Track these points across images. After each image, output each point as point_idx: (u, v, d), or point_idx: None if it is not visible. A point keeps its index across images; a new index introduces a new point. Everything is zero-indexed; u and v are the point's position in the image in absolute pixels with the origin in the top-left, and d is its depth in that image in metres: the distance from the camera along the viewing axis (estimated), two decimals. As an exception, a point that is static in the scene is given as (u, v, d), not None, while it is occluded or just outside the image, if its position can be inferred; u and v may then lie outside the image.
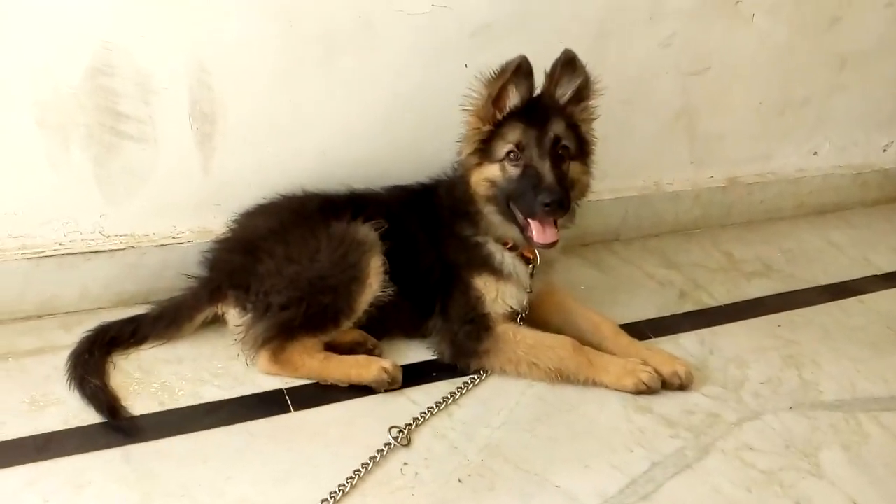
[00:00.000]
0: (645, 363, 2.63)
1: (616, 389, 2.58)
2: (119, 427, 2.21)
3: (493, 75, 2.48)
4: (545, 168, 2.45)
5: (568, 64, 2.54)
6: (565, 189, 2.45)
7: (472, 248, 2.64)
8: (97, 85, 2.48)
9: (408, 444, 2.29)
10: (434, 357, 2.69)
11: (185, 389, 2.43)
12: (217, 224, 2.80)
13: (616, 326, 2.81)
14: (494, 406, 2.50)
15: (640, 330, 2.95)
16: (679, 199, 3.77)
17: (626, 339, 2.75)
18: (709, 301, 3.29)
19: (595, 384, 2.58)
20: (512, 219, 2.55)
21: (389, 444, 2.26)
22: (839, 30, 3.76)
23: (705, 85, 3.55)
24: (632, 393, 2.57)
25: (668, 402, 2.59)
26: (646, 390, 2.57)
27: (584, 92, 2.59)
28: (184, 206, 2.78)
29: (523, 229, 2.52)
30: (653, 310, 3.16)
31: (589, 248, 3.59)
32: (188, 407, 2.37)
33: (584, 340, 2.69)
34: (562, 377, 2.57)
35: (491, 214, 2.59)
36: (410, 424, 2.35)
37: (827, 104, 4.00)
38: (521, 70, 2.46)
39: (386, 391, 2.48)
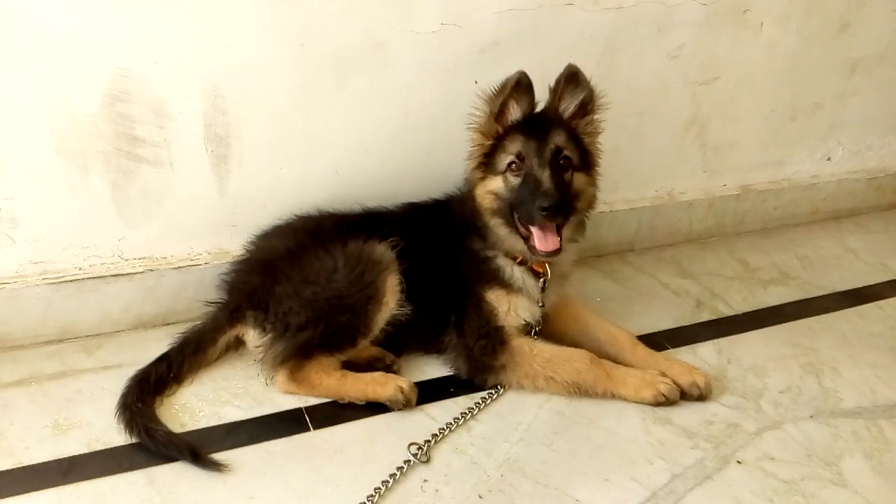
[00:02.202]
0: (663, 374, 2.62)
1: (635, 402, 2.58)
2: (206, 464, 2.20)
3: (494, 92, 2.54)
4: (544, 175, 2.48)
5: (571, 78, 2.57)
6: (564, 195, 2.48)
7: (482, 262, 2.66)
8: (114, 112, 2.52)
9: (427, 461, 2.30)
10: (452, 373, 2.70)
11: (206, 410, 2.45)
12: (233, 245, 2.84)
13: (633, 337, 2.80)
14: (512, 421, 2.50)
15: (657, 341, 2.94)
16: (692, 209, 3.77)
17: (643, 351, 2.75)
18: (725, 310, 3.27)
19: (613, 397, 2.58)
20: (516, 230, 2.57)
21: (409, 460, 2.27)
22: (848, 35, 3.75)
23: (715, 94, 3.55)
24: (651, 405, 2.57)
25: (687, 413, 2.58)
26: (665, 402, 2.57)
27: (588, 106, 2.61)
28: (200, 229, 2.81)
29: (526, 239, 2.54)
30: (669, 320, 3.15)
31: (603, 259, 3.59)
32: (209, 428, 2.39)
33: (601, 353, 2.70)
34: (580, 391, 2.57)
35: (497, 227, 2.62)
36: (429, 441, 2.37)
37: (839, 109, 3.98)
38: (520, 85, 2.51)
39: (400, 410, 2.49)
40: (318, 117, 2.80)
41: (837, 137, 4.09)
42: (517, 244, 2.60)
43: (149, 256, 2.77)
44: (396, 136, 2.96)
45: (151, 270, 2.76)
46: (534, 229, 2.50)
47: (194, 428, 2.38)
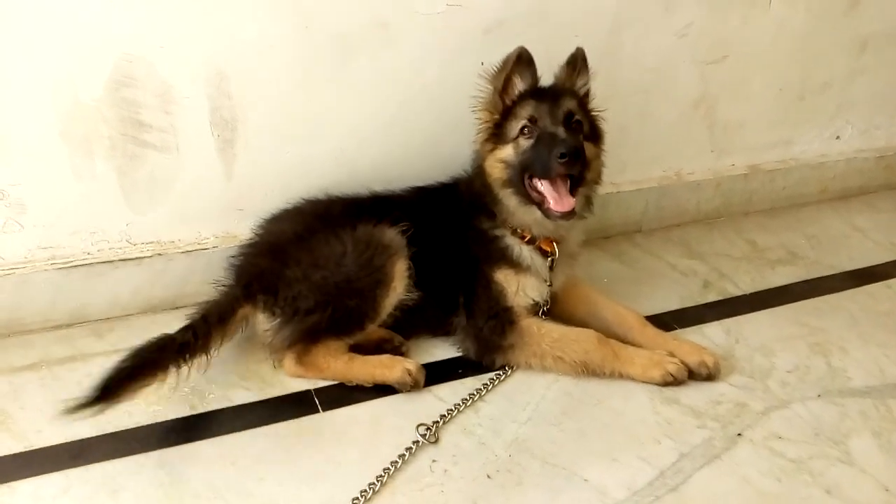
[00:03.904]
0: (671, 354, 2.62)
1: (643, 381, 2.58)
2: (88, 400, 2.05)
3: (497, 69, 2.58)
4: (560, 131, 2.50)
5: (582, 59, 2.66)
6: (581, 145, 2.49)
7: (491, 241, 2.66)
8: (119, 97, 2.52)
9: (436, 442, 2.30)
10: (459, 354, 2.70)
11: (216, 392, 2.47)
12: (241, 229, 2.84)
13: (641, 318, 2.81)
14: (520, 401, 2.51)
15: (665, 321, 2.93)
16: (700, 189, 3.75)
17: (652, 331, 2.75)
18: (733, 290, 3.26)
19: (622, 377, 2.58)
20: (528, 198, 2.56)
21: (418, 441, 2.28)
22: (858, 13, 3.72)
23: (724, 73, 3.52)
24: (659, 385, 2.57)
25: (695, 393, 2.57)
26: (673, 382, 2.57)
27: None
28: (208, 213, 2.82)
29: (540, 204, 2.54)
30: (677, 300, 3.14)
31: (610, 240, 3.58)
32: (218, 410, 2.40)
33: (609, 333, 2.69)
34: (588, 370, 2.57)
35: (507, 198, 2.61)
36: (438, 422, 2.37)
37: (848, 88, 3.96)
38: (521, 60, 2.56)
39: (408, 391, 2.50)
40: (322, 99, 2.79)
41: (846, 116, 4.06)
42: (528, 215, 2.60)
43: (157, 241, 2.78)
44: (401, 118, 2.95)
45: (160, 255, 2.76)
46: (547, 190, 2.51)
47: (204, 410, 2.39)
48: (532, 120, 2.54)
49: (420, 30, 2.82)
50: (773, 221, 3.92)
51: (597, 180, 2.71)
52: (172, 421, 2.35)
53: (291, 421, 2.37)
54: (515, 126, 2.56)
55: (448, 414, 2.41)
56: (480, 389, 2.53)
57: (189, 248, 2.80)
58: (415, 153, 2.99)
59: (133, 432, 2.29)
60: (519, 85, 2.59)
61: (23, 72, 2.40)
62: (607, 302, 2.86)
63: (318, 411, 2.42)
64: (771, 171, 3.93)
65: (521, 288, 2.64)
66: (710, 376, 2.63)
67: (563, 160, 2.41)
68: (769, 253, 3.61)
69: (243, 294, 2.54)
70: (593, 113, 2.69)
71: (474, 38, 2.91)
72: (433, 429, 2.33)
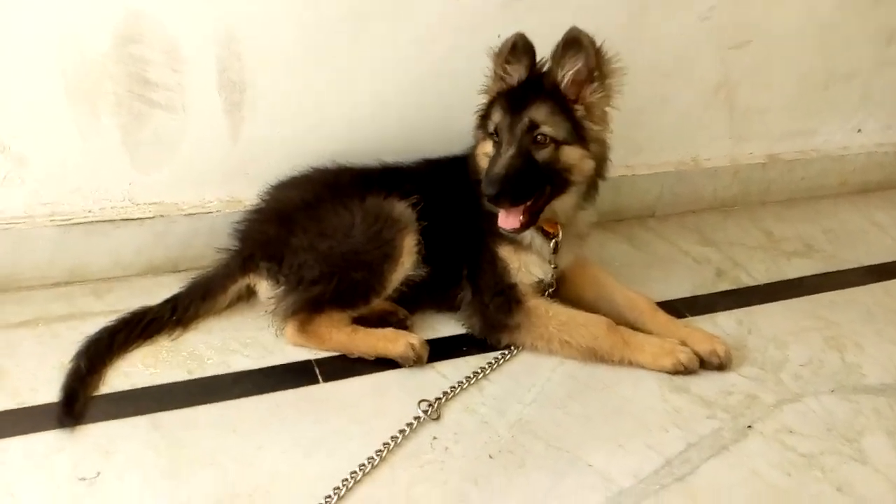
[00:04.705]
0: (683, 342, 2.56)
1: (653, 370, 2.51)
2: (60, 415, 2.10)
3: (496, 51, 2.48)
4: (503, 157, 2.36)
5: (570, 44, 2.37)
6: (513, 183, 2.32)
7: (492, 217, 2.56)
8: (125, 52, 2.45)
9: (437, 419, 2.26)
10: (465, 331, 2.64)
11: (214, 358, 2.42)
12: (246, 194, 2.78)
13: (653, 303, 2.74)
14: (526, 382, 2.45)
15: (676, 308, 2.87)
16: (717, 176, 3.67)
17: (663, 317, 2.68)
18: (747, 280, 3.19)
19: (631, 364, 2.51)
20: None
21: (419, 417, 2.23)
22: (887, 4, 3.62)
23: (746, 58, 3.43)
24: (669, 373, 2.50)
25: (705, 383, 2.51)
26: (683, 371, 2.50)
27: (594, 72, 2.40)
28: (213, 176, 2.76)
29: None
30: (689, 287, 3.08)
31: (623, 223, 3.52)
32: (217, 376, 2.36)
33: (619, 318, 2.63)
34: (595, 356, 2.51)
35: None
36: (440, 398, 2.32)
37: (872, 79, 3.85)
38: (517, 48, 2.42)
39: (411, 367, 2.45)
40: (334, 66, 2.72)
41: (869, 109, 3.96)
42: None
43: (159, 202, 2.73)
44: (414, 89, 2.87)
45: (162, 216, 2.71)
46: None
47: (202, 375, 2.35)
48: (496, 130, 2.44)
49: (436, -1, 2.74)
50: (791, 212, 3.84)
51: (588, 179, 2.54)
52: (170, 385, 2.30)
53: (291, 390, 2.32)
54: (489, 126, 2.48)
55: (451, 391, 2.36)
56: (485, 368, 2.48)
57: (192, 211, 2.75)
58: (427, 125, 2.91)
59: (129, 394, 2.24)
60: (512, 74, 2.47)
61: (28, 23, 2.33)
62: (618, 285, 2.79)
63: (318, 382, 2.37)
64: (790, 160, 3.84)
65: (523, 265, 2.58)
66: (721, 366, 2.57)
67: (487, 198, 2.34)
68: (785, 244, 3.54)
69: (241, 267, 2.51)
70: (580, 111, 2.43)
71: (492, 10, 2.82)
72: (435, 405, 2.28)
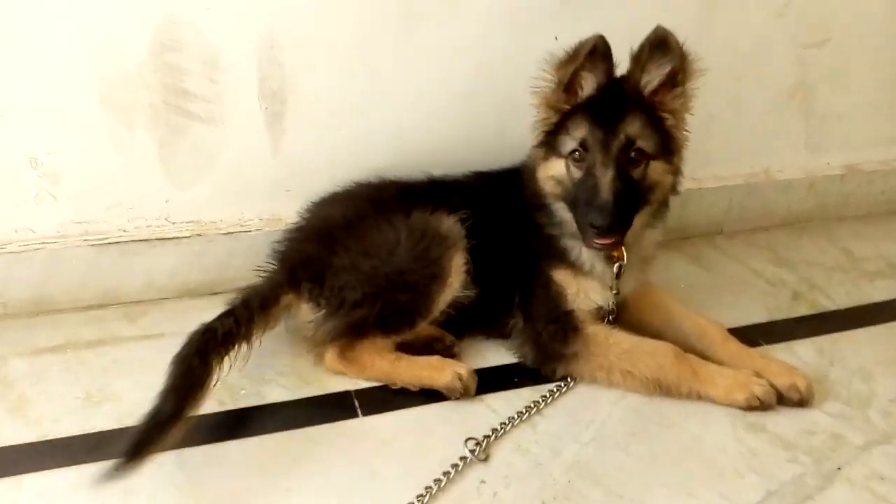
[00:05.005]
0: (758, 374, 2.33)
1: (725, 404, 2.28)
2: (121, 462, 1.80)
3: (565, 58, 2.19)
4: (605, 180, 2.16)
5: (658, 45, 2.17)
6: (621, 208, 2.15)
7: (549, 239, 2.41)
8: (162, 61, 2.36)
9: (486, 459, 2.08)
10: (516, 360, 2.47)
11: (248, 388, 2.28)
12: (287, 211, 2.64)
13: (724, 331, 2.51)
14: (583, 418, 2.26)
15: (750, 335, 2.64)
16: (791, 189, 3.43)
17: (736, 346, 2.45)
18: (826, 304, 2.95)
19: (700, 398, 2.29)
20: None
21: (465, 457, 2.05)
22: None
23: (824, 58, 3.20)
24: (743, 409, 2.28)
25: (784, 421, 2.28)
26: (759, 406, 2.27)
27: (678, 76, 2.22)
28: (252, 192, 2.65)
29: (583, 232, 2.25)
30: (763, 313, 2.85)
31: (689, 241, 3.29)
32: (249, 408, 2.23)
33: (686, 346, 2.41)
34: (661, 388, 2.29)
35: (560, 211, 2.35)
36: (489, 436, 2.13)
37: (962, 81, 3.55)
38: (595, 53, 2.15)
39: (458, 399, 2.29)
40: (379, 72, 2.59)
41: (958, 114, 3.65)
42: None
43: (197, 220, 2.62)
44: (465, 95, 2.72)
45: (199, 235, 2.61)
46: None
47: (234, 407, 2.22)
48: (583, 146, 2.21)
49: (489, -3, 2.58)
50: (870, 229, 3.57)
51: (667, 196, 2.38)
52: (198, 417, 2.10)
53: (328, 424, 2.17)
54: (567, 144, 2.24)
55: (501, 428, 2.18)
56: (538, 402, 2.29)
57: (231, 230, 2.64)
58: (479, 134, 2.75)
59: None
60: (587, 84, 2.22)
61: (62, 32, 2.25)
62: (685, 311, 2.57)
63: (357, 415, 2.22)
64: (870, 172, 3.57)
65: (581, 290, 2.39)
66: (801, 402, 2.33)
67: (595, 231, 2.15)
68: (866, 264, 3.27)
69: (287, 280, 2.35)
70: (670, 121, 2.26)
71: (549, 9, 2.66)
72: (483, 444, 2.10)
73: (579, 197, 2.21)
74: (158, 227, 2.58)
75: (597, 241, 2.20)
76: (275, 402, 2.25)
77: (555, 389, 2.34)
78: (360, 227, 2.36)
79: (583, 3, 2.65)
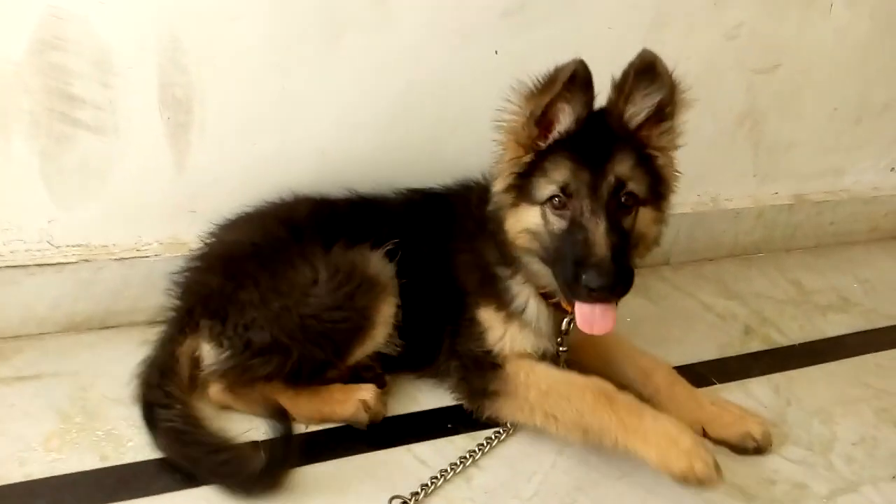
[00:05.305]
0: (704, 435, 2.10)
1: (656, 469, 1.87)
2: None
3: (538, 85, 1.88)
4: (598, 231, 1.84)
5: (645, 72, 1.88)
6: (623, 265, 1.83)
7: (488, 275, 2.13)
8: (45, 62, 2.11)
9: (414, 521, 1.82)
10: (451, 403, 2.21)
11: (136, 440, 1.97)
12: (192, 235, 2.40)
13: (671, 373, 2.28)
14: (525, 469, 2.02)
15: (701, 373, 2.47)
16: (739, 218, 3.32)
17: (684, 392, 2.22)
18: (780, 339, 2.80)
19: (628, 453, 1.91)
20: (557, 282, 1.98)
21: (390, 520, 1.80)
22: (930, 25, 3.33)
23: (774, 85, 3.13)
24: (677, 481, 1.87)
25: (743, 469, 2.09)
26: (695, 483, 1.83)
27: (666, 109, 1.95)
28: (151, 213, 2.40)
29: (568, 303, 1.96)
30: (714, 349, 2.68)
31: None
32: (137, 464, 1.91)
33: (631, 390, 2.15)
34: (587, 437, 1.97)
35: (532, 264, 2.04)
36: (418, 493, 1.89)
37: (909, 112, 3.55)
38: (575, 81, 1.83)
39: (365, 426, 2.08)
40: (301, 82, 2.38)
41: (904, 145, 3.63)
42: (554, 284, 2.02)
43: (85, 244, 2.35)
44: (397, 110, 2.53)
45: (87, 261, 2.34)
46: (577, 303, 1.91)
47: (118, 462, 1.91)
48: (565, 191, 1.89)
49: (425, 7, 2.41)
50: (820, 261, 3.49)
51: (648, 250, 2.08)
52: (75, 475, 1.86)
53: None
54: (544, 188, 1.92)
55: (432, 483, 1.93)
56: (474, 452, 2.04)
57: (125, 255, 2.37)
58: (411, 152, 2.56)
59: (20, 488, 1.80)
60: (565, 117, 1.90)
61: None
62: (628, 350, 2.33)
63: None
64: (819, 202, 3.51)
65: (508, 335, 2.11)
66: (758, 450, 2.14)
67: (594, 294, 1.81)
68: (818, 297, 3.16)
69: (180, 328, 2.07)
70: (661, 159, 1.99)
71: (490, 21, 2.50)
72: (410, 503, 1.86)
73: (564, 253, 1.88)
74: (39, 251, 2.30)
75: (582, 328, 1.89)
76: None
77: (493, 437, 2.10)
78: (272, 257, 2.08)
79: (524, 17, 2.50)
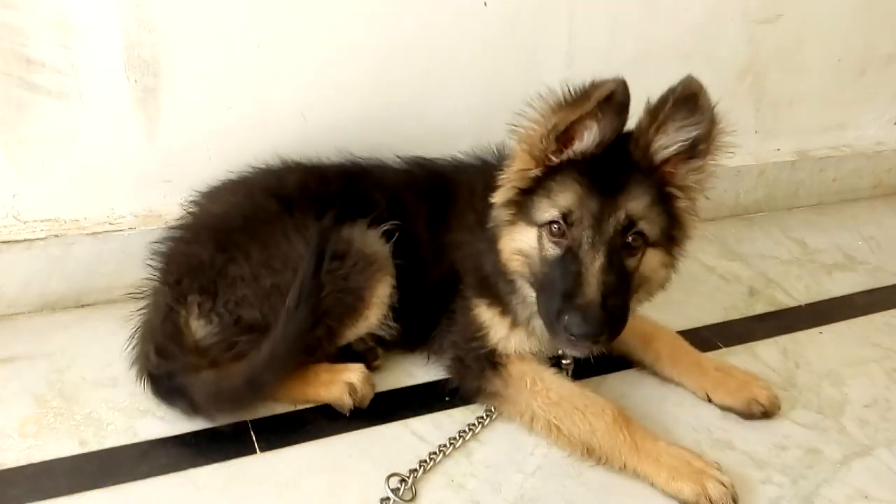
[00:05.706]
0: (708, 393, 2.07)
1: (664, 492, 1.81)
2: None
3: (569, 98, 1.70)
4: (593, 267, 1.71)
5: (686, 101, 1.70)
6: (611, 309, 1.69)
7: (488, 283, 2.00)
8: (-3, 21, 1.95)
9: (412, 499, 1.78)
10: (446, 376, 2.11)
11: (118, 423, 1.90)
12: (168, 206, 2.31)
13: (676, 337, 2.23)
14: (527, 443, 1.96)
15: (707, 338, 2.41)
16: (740, 177, 3.22)
17: (688, 359, 2.17)
18: (785, 300, 2.73)
19: (637, 475, 1.85)
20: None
21: (388, 499, 1.76)
22: (936, -29, 3.21)
23: (776, 36, 3.00)
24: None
25: (753, 435, 2.05)
26: None
27: (701, 146, 1.78)
28: (123, 184, 2.28)
29: (553, 330, 1.80)
30: (718, 312, 2.61)
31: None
32: (118, 448, 1.84)
33: (633, 359, 2.14)
34: (591, 455, 1.88)
35: (524, 288, 1.93)
36: (416, 470, 1.84)
37: (915, 63, 3.45)
38: (612, 101, 1.65)
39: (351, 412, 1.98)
40: (279, 40, 2.25)
41: (909, 97, 3.54)
42: None
43: (54, 218, 2.24)
44: (381, 69, 2.41)
45: (57, 236, 2.22)
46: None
47: (99, 447, 1.84)
48: (567, 218, 1.76)
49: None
50: (823, 219, 3.41)
51: (651, 294, 1.96)
52: (54, 462, 1.79)
53: (218, 464, 1.83)
54: (545, 211, 1.78)
55: (430, 459, 1.88)
56: (473, 425, 1.98)
57: (97, 229, 2.26)
58: (396, 113, 2.45)
59: None
60: (588, 137, 1.73)
61: None
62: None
63: (255, 451, 1.88)
64: (821, 158, 3.40)
65: (511, 338, 2.01)
66: (766, 414, 2.09)
67: (572, 339, 1.69)
68: (822, 256, 3.09)
69: (172, 296, 1.95)
70: (683, 201, 1.81)
71: None
72: (409, 480, 1.81)
73: (553, 283, 1.76)
74: (6, 227, 2.19)
75: (567, 352, 1.85)
76: (151, 438, 1.88)
77: (492, 409, 2.02)
78: (264, 231, 1.97)
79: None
